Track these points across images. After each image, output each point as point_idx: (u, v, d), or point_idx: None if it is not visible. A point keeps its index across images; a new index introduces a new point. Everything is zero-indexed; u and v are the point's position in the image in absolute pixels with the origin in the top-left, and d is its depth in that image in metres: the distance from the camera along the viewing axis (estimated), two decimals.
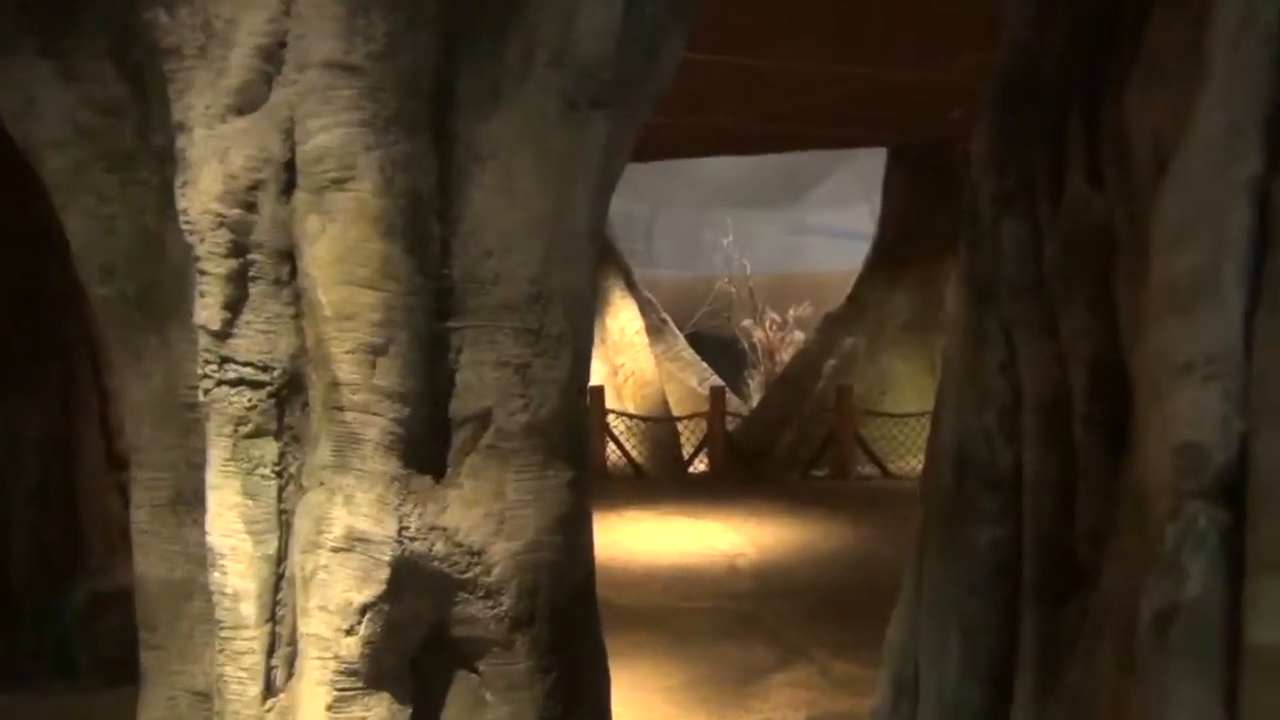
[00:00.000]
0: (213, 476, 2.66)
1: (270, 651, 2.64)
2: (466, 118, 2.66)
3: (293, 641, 2.63)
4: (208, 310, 2.60)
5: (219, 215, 2.56)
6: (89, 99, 2.91)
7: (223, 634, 2.65)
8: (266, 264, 2.61)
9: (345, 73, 2.49)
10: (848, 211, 23.60)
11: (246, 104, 2.56)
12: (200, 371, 2.65)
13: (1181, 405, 2.13)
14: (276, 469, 2.67)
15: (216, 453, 2.65)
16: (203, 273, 2.59)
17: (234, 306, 2.60)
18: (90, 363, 5.97)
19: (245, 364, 2.61)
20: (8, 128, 3.03)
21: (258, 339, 2.61)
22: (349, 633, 2.52)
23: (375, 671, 2.56)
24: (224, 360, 2.61)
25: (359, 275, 2.53)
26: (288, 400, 2.66)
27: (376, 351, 2.54)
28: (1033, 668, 3.07)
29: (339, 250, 2.52)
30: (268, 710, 2.63)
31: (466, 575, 2.65)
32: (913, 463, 11.96)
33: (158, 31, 2.63)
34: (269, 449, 2.66)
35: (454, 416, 2.69)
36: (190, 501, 2.87)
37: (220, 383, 2.63)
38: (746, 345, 20.96)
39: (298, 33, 2.52)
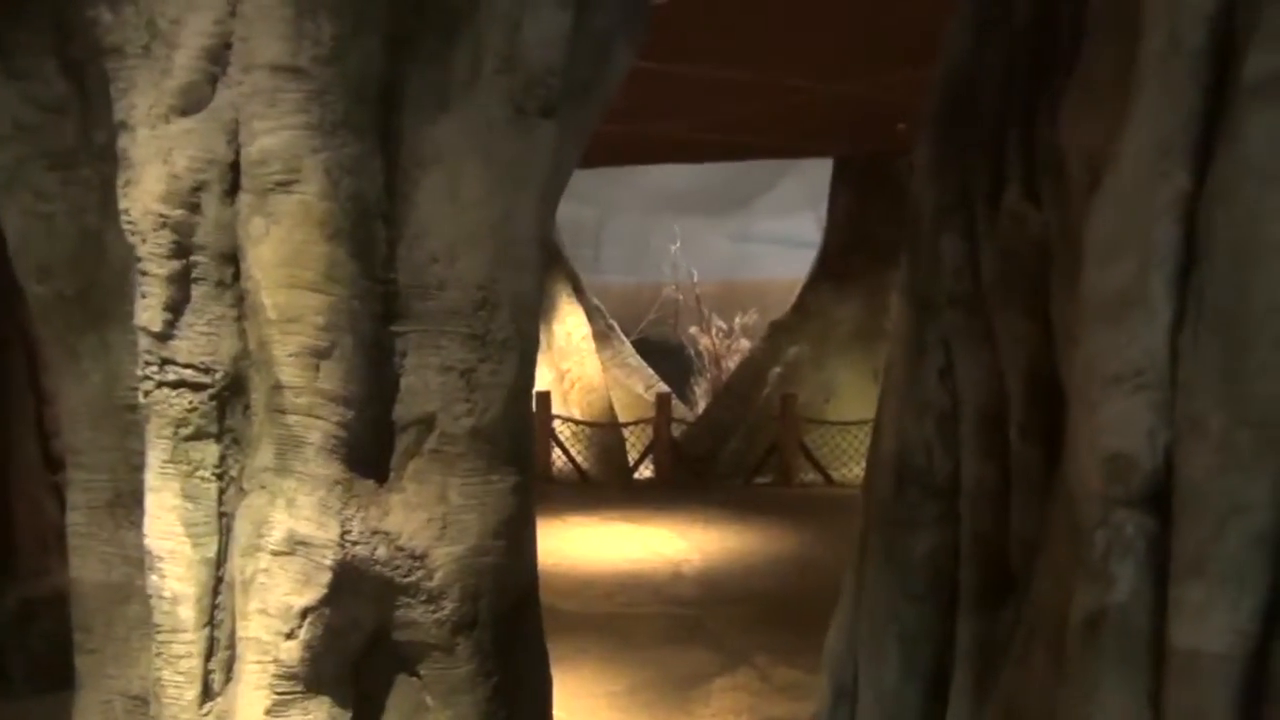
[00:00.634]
0: (152, 478, 2.63)
1: (208, 655, 2.62)
2: (414, 122, 2.66)
3: (231, 645, 2.61)
4: (149, 311, 2.57)
5: (161, 216, 2.53)
6: (30, 95, 2.87)
7: (160, 637, 2.62)
8: (209, 266, 2.59)
9: (291, 75, 2.48)
10: (794, 220, 23.80)
11: (191, 105, 2.54)
12: (140, 373, 2.62)
13: (1110, 415, 2.19)
14: (217, 471, 2.64)
15: (156, 455, 2.62)
16: (144, 274, 2.57)
17: (176, 308, 2.57)
18: (26, 363, 5.85)
19: (186, 366, 2.59)
20: None
21: (199, 341, 2.59)
22: (289, 636, 2.50)
23: (315, 676, 2.54)
24: (165, 362, 2.59)
25: (303, 278, 2.52)
26: (229, 403, 2.64)
27: (320, 355, 2.53)
28: (969, 671, 3.13)
29: (283, 253, 2.51)
30: (205, 715, 2.60)
31: (409, 579, 2.64)
32: (856, 470, 12.07)
33: (100, 29, 2.60)
34: (209, 451, 2.63)
35: (398, 420, 2.69)
36: (128, 503, 2.83)
37: (161, 384, 2.60)
38: (693, 352, 21.04)
39: (243, 34, 2.50)
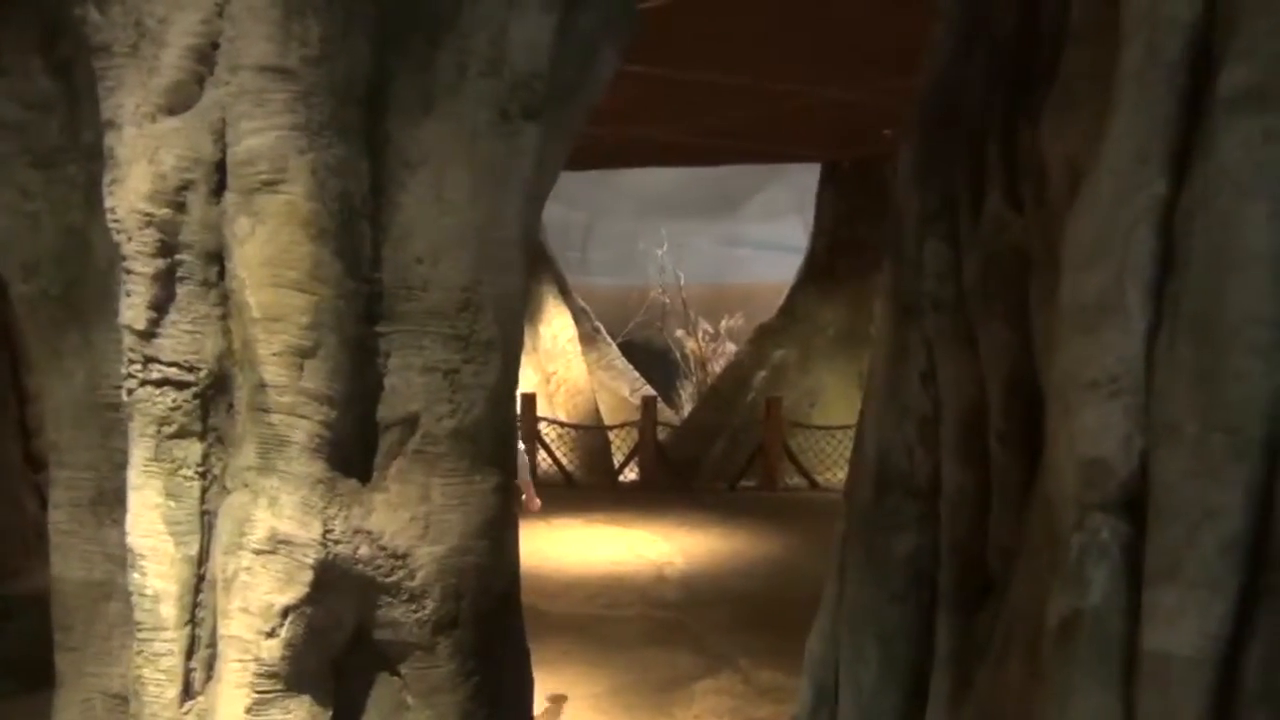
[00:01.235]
0: (134, 477, 2.63)
1: (189, 653, 2.62)
2: (400, 124, 2.67)
3: (212, 644, 2.61)
4: (133, 310, 2.58)
5: (147, 215, 2.54)
6: (15, 93, 2.87)
7: (141, 635, 2.62)
8: (194, 264, 2.59)
9: (279, 76, 2.49)
10: (781, 224, 23.84)
11: (178, 104, 2.55)
12: (124, 371, 2.63)
13: (1087, 421, 2.21)
14: (200, 470, 2.65)
15: (139, 453, 2.62)
16: (129, 272, 2.57)
17: (160, 306, 2.58)
18: (8, 361, 5.83)
19: (170, 364, 2.59)
20: None
21: (184, 339, 2.60)
22: (270, 635, 2.51)
23: (296, 674, 2.55)
24: (149, 360, 2.59)
25: (288, 278, 2.52)
26: (213, 401, 2.64)
27: (304, 354, 2.54)
28: (947, 673, 3.15)
29: (269, 252, 2.51)
30: (185, 713, 2.61)
31: (390, 579, 2.65)
32: (840, 475, 12.08)
33: (88, 28, 2.60)
34: (192, 450, 2.64)
35: (381, 420, 2.70)
36: (110, 502, 2.83)
37: (144, 383, 2.60)
38: (679, 355, 21.04)
39: (231, 34, 2.51)
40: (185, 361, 2.60)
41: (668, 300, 22.29)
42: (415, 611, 2.68)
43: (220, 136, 2.55)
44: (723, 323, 20.63)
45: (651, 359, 19.71)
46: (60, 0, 2.68)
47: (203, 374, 2.61)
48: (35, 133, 2.89)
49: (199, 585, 2.65)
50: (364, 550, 2.61)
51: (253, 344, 2.54)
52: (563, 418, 14.71)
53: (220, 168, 2.56)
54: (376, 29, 2.62)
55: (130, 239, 2.55)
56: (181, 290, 2.59)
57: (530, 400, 13.34)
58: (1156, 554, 2.08)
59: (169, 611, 2.61)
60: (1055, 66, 2.66)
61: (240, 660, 2.53)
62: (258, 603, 2.52)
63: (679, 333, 21.29)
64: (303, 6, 2.49)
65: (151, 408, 2.60)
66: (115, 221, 2.57)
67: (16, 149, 2.90)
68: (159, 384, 2.60)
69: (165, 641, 2.61)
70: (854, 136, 12.91)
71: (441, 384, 2.71)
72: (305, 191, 2.51)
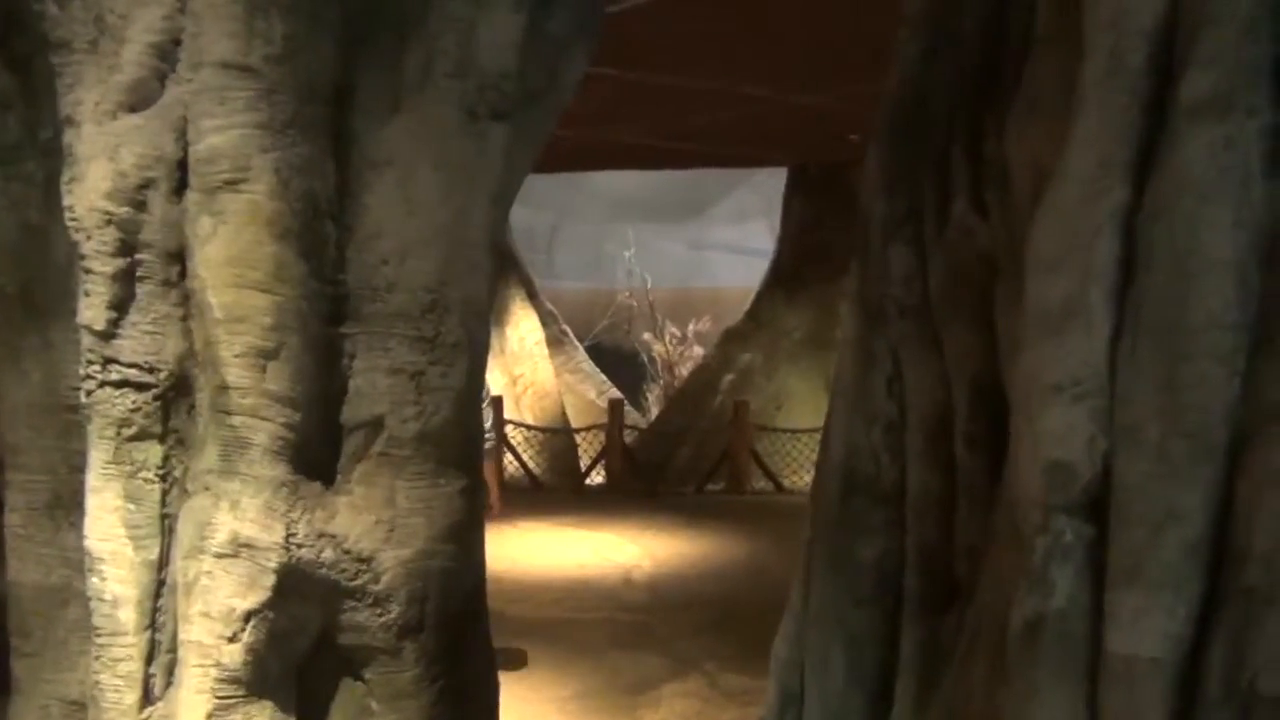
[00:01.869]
0: (93, 479, 2.59)
1: (149, 659, 2.58)
2: (366, 124, 2.65)
3: (173, 649, 2.58)
4: (92, 310, 2.54)
5: (107, 213, 2.50)
6: None
7: (100, 641, 2.59)
8: (155, 264, 2.56)
9: (242, 74, 2.47)
10: (748, 228, 23.94)
11: (139, 101, 2.51)
12: (83, 372, 2.59)
13: (1051, 424, 2.23)
14: (160, 472, 2.61)
15: (98, 455, 2.59)
16: (88, 271, 2.53)
17: (120, 306, 2.54)
18: None
19: (130, 365, 2.56)
20: None
21: (144, 340, 2.56)
22: (231, 640, 2.48)
23: (258, 679, 2.52)
24: (108, 361, 2.56)
25: (251, 278, 2.50)
26: (173, 403, 2.61)
27: (267, 355, 2.51)
28: (913, 677, 3.16)
29: (231, 252, 2.49)
30: (145, 719, 2.57)
31: (355, 583, 2.63)
32: (806, 478, 12.14)
33: (47, 23, 2.56)
34: (153, 452, 2.60)
35: (346, 423, 2.67)
36: (68, 505, 2.79)
37: (103, 384, 2.57)
38: (646, 359, 21.06)
39: (193, 31, 2.48)
40: (145, 362, 2.56)
41: (635, 303, 22.31)
42: (380, 616, 2.66)
43: (182, 134, 2.52)
44: (690, 326, 20.67)
45: (619, 362, 19.72)
46: None
47: (163, 375, 2.58)
48: None
49: (159, 590, 2.61)
50: (328, 554, 2.59)
51: (214, 345, 2.51)
52: (529, 420, 14.67)
53: (182, 166, 2.53)
54: (342, 27, 2.60)
55: (89, 238, 2.52)
56: (142, 290, 2.56)
57: (497, 403, 13.30)
58: (1119, 556, 2.10)
59: (128, 616, 2.57)
60: (1021, 73, 2.68)
61: (201, 665, 2.50)
62: (219, 607, 2.49)
63: (646, 336, 21.31)
64: (266, 4, 2.46)
65: (111, 409, 2.57)
66: (74, 220, 2.53)
67: None
68: (118, 385, 2.56)
69: (124, 647, 2.57)
70: (821, 141, 12.97)
71: (407, 386, 2.69)
72: (268, 191, 2.49)
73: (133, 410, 2.57)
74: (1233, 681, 1.94)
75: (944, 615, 3.12)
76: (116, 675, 2.57)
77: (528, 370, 15.41)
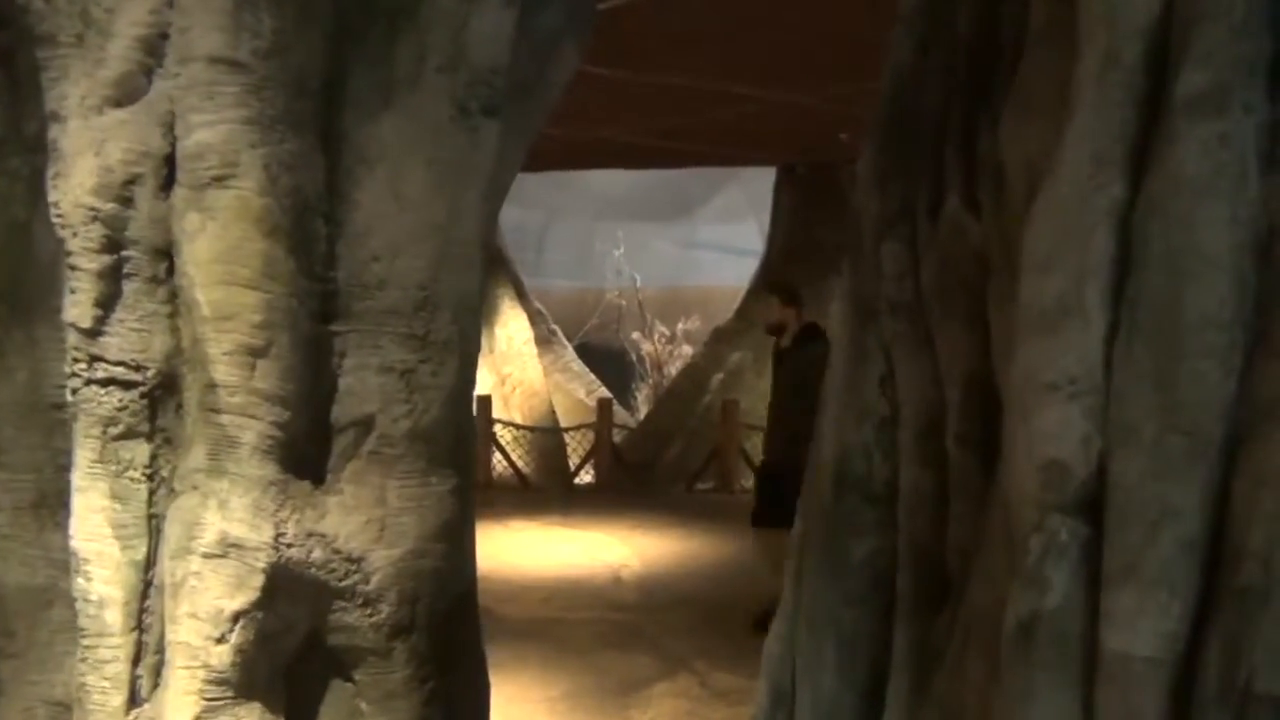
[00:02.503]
0: (79, 478, 2.57)
1: (136, 660, 2.56)
2: (356, 120, 2.63)
3: (160, 650, 2.56)
4: (78, 307, 2.51)
5: (92, 209, 2.48)
6: None
7: (86, 642, 2.56)
8: (142, 261, 2.53)
9: (230, 68, 2.44)
10: (737, 227, 23.94)
11: (125, 96, 2.49)
12: (68, 370, 2.56)
13: (1046, 423, 2.22)
14: (147, 472, 2.59)
15: (84, 454, 2.56)
16: (74, 268, 2.51)
17: (106, 304, 2.52)
18: None
19: (116, 363, 2.53)
20: None
21: (130, 338, 2.54)
22: (220, 641, 2.46)
23: (246, 681, 2.50)
24: (94, 359, 2.53)
25: (240, 275, 2.47)
26: (161, 401, 2.58)
27: (256, 354, 2.49)
28: (905, 677, 3.15)
29: (219, 249, 2.46)
30: None
31: (345, 583, 2.61)
32: None
33: (32, 17, 2.54)
34: (139, 451, 2.58)
35: (336, 421, 2.65)
36: (53, 504, 2.77)
37: (89, 382, 2.54)
38: (635, 358, 21.04)
39: (181, 25, 2.46)
40: (132, 360, 2.54)
41: (624, 303, 22.30)
42: (370, 616, 2.64)
43: (169, 129, 2.49)
44: (679, 325, 20.66)
45: (608, 361, 19.69)
46: None
47: (150, 373, 2.55)
48: None
49: (146, 590, 2.59)
50: (317, 554, 2.56)
51: (202, 343, 2.48)
52: (518, 420, 14.64)
53: (169, 162, 2.51)
54: (332, 22, 2.58)
55: (75, 234, 2.49)
56: (128, 287, 2.53)
57: (486, 402, 13.27)
58: (1115, 555, 2.09)
59: (114, 617, 2.55)
60: (1015, 70, 2.68)
61: (189, 667, 2.48)
62: (207, 608, 2.46)
63: (635, 335, 21.29)
64: None
65: (97, 408, 2.54)
66: (59, 216, 2.51)
67: None
68: (105, 383, 2.54)
69: (110, 648, 2.55)
70: (810, 140, 12.98)
71: (398, 384, 2.67)
72: (257, 187, 2.47)
73: (119, 409, 2.55)
74: (1229, 680, 1.93)
75: (937, 614, 3.11)
76: (103, 677, 2.55)
77: (516, 369, 15.38)
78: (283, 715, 2.59)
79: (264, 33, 2.45)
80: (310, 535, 2.56)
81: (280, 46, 2.47)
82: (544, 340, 16.47)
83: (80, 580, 2.56)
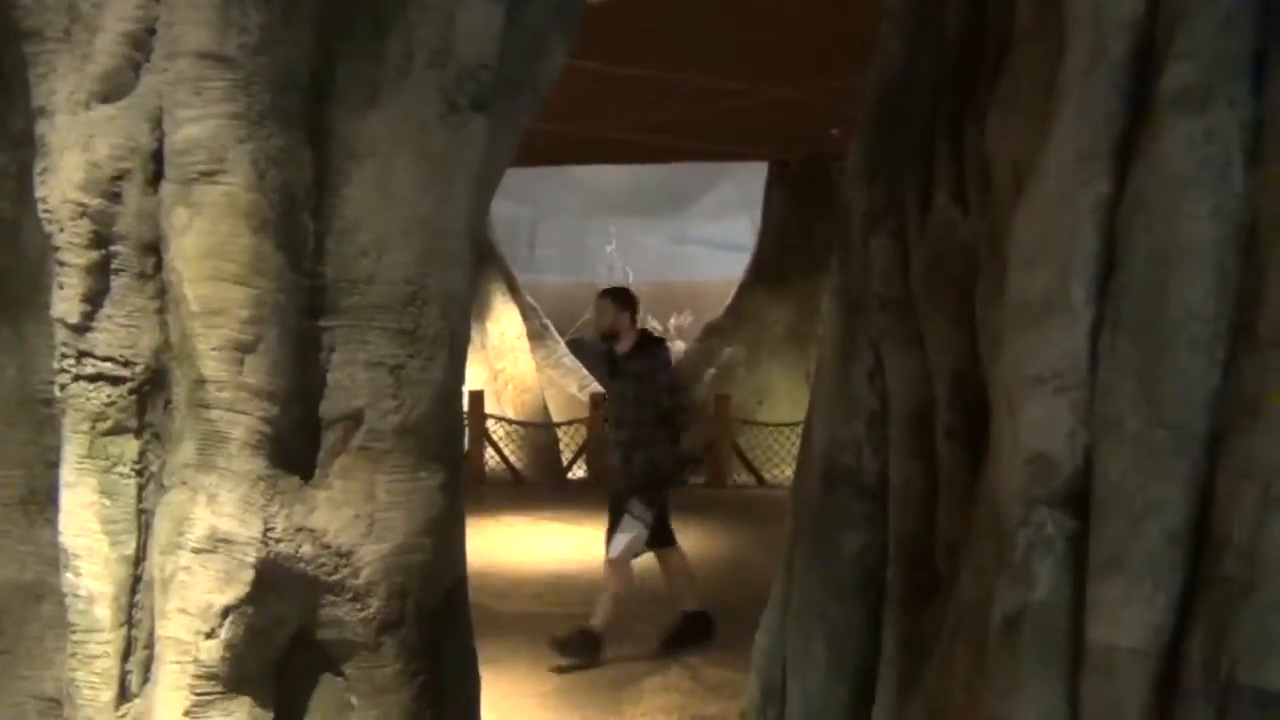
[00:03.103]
0: (68, 474, 2.56)
1: (125, 656, 2.55)
2: (344, 115, 2.62)
3: (150, 645, 2.55)
4: (66, 303, 2.50)
5: (80, 205, 2.47)
6: None
7: (75, 637, 2.55)
8: (130, 256, 2.52)
9: (218, 64, 2.43)
10: (729, 223, 23.94)
11: (113, 91, 2.48)
12: (57, 366, 2.55)
13: (1032, 416, 2.24)
14: (136, 467, 2.58)
15: (72, 449, 2.55)
16: (62, 264, 2.50)
17: (94, 299, 2.51)
18: None
19: (105, 359, 2.52)
20: None
21: (119, 333, 2.53)
22: (209, 636, 2.45)
23: (236, 675, 2.49)
24: (82, 355, 2.52)
25: (228, 270, 2.47)
26: (149, 397, 2.57)
27: (244, 349, 2.48)
28: (894, 669, 3.17)
29: (207, 244, 2.46)
30: (122, 716, 2.54)
31: (334, 577, 2.60)
32: (788, 472, 12.14)
33: (19, 11, 2.53)
34: (128, 446, 2.57)
35: (324, 416, 2.65)
36: (43, 500, 2.76)
37: (78, 378, 2.53)
38: None
39: (168, 20, 2.45)
40: (120, 356, 2.53)
41: None
42: (359, 611, 2.64)
43: (157, 125, 2.48)
44: (671, 321, 20.68)
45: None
46: None
47: (139, 369, 2.55)
48: None
49: (135, 586, 2.58)
50: (306, 549, 2.56)
51: (191, 338, 2.48)
52: (511, 415, 14.64)
53: (157, 157, 2.49)
54: (320, 17, 2.57)
55: (63, 230, 2.48)
56: (116, 283, 2.52)
57: (478, 398, 13.27)
58: (1100, 547, 2.10)
59: (104, 613, 2.54)
60: (1002, 66, 2.69)
61: (178, 662, 2.47)
62: (196, 603, 2.46)
63: None
64: None
65: (85, 403, 2.53)
66: (47, 212, 2.50)
67: None
68: (93, 379, 2.53)
69: (100, 644, 2.54)
70: (802, 135, 13.00)
71: (387, 379, 2.66)
72: (245, 182, 2.46)
73: (108, 404, 2.54)
74: (1212, 670, 1.95)
75: (925, 608, 3.12)
76: (92, 672, 2.54)
77: (509, 365, 15.37)
78: (273, 709, 2.58)
79: (251, 28, 2.44)
80: (299, 530, 2.55)
81: (268, 42, 2.46)
82: (536, 335, 16.47)
83: (70, 575, 2.55)
